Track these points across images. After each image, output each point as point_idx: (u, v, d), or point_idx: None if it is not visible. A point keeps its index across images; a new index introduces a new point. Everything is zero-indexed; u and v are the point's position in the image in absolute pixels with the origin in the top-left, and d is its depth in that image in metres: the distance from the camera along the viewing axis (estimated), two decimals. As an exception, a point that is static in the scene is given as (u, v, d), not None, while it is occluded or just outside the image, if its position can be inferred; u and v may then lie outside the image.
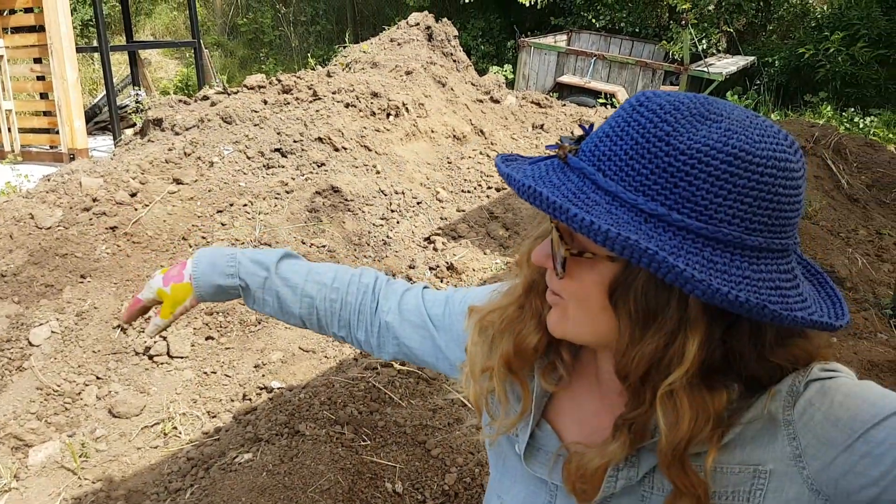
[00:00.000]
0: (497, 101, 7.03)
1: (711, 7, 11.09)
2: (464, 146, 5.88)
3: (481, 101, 6.90)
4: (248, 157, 4.91)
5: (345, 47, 8.00)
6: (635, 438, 0.78)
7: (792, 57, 10.59)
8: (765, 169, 0.68)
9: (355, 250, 4.47)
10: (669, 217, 0.69)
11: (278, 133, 5.08)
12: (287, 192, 4.70)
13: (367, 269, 1.20)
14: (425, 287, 1.17)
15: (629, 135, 0.72)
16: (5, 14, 7.56)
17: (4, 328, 3.48)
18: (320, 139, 5.07)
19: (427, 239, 4.65)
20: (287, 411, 2.96)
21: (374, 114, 5.55)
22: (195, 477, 2.72)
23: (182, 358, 3.55)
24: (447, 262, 4.36)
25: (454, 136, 5.90)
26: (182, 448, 3.02)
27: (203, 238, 4.26)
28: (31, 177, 6.10)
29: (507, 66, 12.31)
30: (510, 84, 10.67)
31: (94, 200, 4.22)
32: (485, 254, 4.56)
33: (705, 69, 9.44)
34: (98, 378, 3.38)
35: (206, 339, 3.68)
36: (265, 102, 5.43)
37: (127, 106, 8.82)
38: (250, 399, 3.31)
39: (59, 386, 3.28)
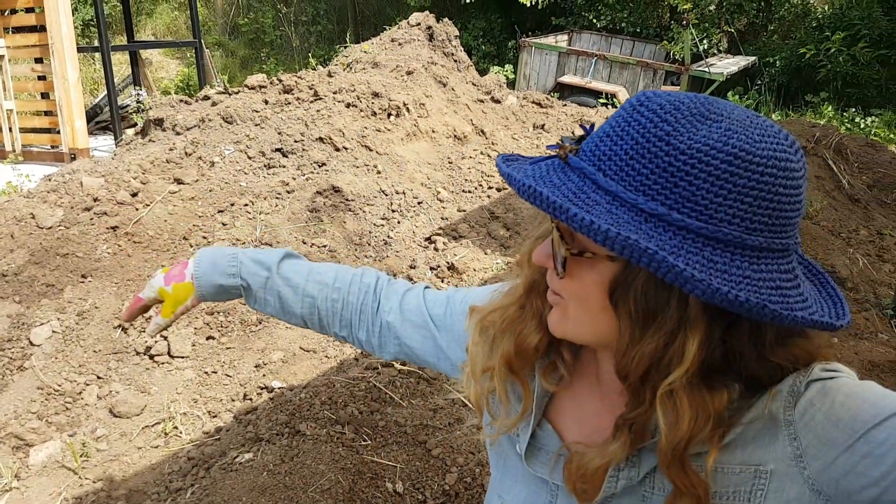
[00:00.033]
0: (498, 101, 7.03)
1: (712, 7, 11.08)
2: (465, 146, 5.88)
3: (482, 101, 6.90)
4: (249, 157, 4.91)
5: (346, 47, 8.00)
6: (636, 438, 0.78)
7: (793, 57, 10.58)
8: (765, 169, 0.68)
9: (356, 250, 4.47)
10: (669, 217, 0.69)
11: (279, 133, 5.08)
12: (288, 192, 4.70)
13: (368, 269, 1.20)
14: (426, 287, 1.17)
15: (629, 135, 0.72)
16: (6, 14, 7.57)
17: (5, 328, 3.49)
18: (321, 139, 5.07)
19: (428, 239, 4.65)
20: (288, 411, 2.96)
21: (374, 114, 5.55)
22: (196, 476, 2.72)
23: (183, 358, 3.55)
24: (448, 262, 4.36)
25: (455, 136, 5.90)
26: (183, 448, 3.02)
27: (204, 238, 4.26)
28: (32, 176, 6.11)
29: (508, 66, 12.31)
30: (511, 84, 10.67)
31: (95, 200, 4.22)
32: (486, 254, 4.56)
33: (706, 69, 9.44)
34: (99, 378, 3.39)
35: (207, 338, 3.68)
36: (266, 102, 5.43)
37: (128, 106, 8.84)
38: (251, 399, 3.31)
39: (59, 385, 3.28)
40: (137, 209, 4.25)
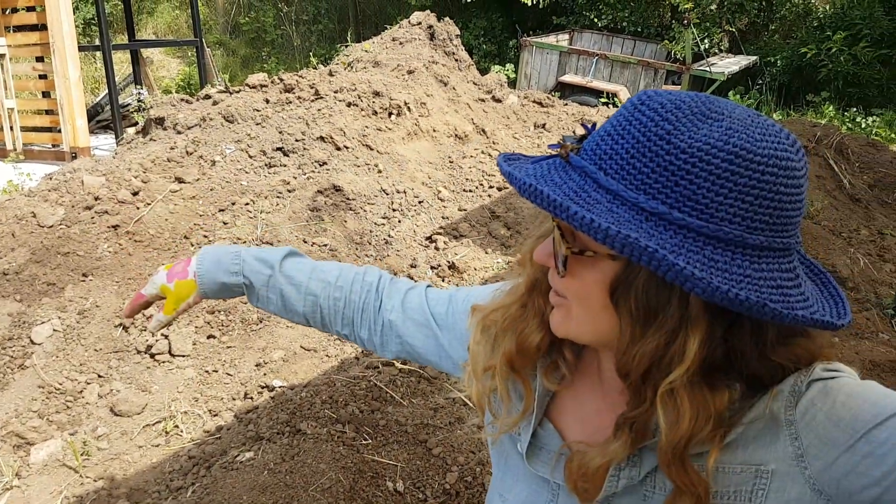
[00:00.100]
0: (499, 101, 7.03)
1: (714, 6, 11.07)
2: (465, 145, 5.88)
3: (483, 100, 6.90)
4: (250, 156, 4.91)
5: (347, 46, 8.01)
6: (636, 437, 0.78)
7: (794, 56, 10.58)
8: (766, 168, 0.68)
9: (357, 249, 4.47)
10: (670, 215, 0.69)
11: (280, 132, 5.09)
12: (289, 191, 4.71)
13: (370, 267, 1.20)
14: (428, 286, 1.17)
15: (630, 133, 0.72)
16: (7, 13, 7.57)
17: (6, 326, 3.49)
18: (322, 138, 5.07)
19: (429, 238, 4.65)
20: (288, 410, 2.96)
21: (375, 113, 5.55)
22: (197, 475, 2.72)
23: (184, 356, 3.56)
24: (449, 262, 4.36)
25: (456, 135, 5.90)
26: (183, 446, 3.03)
27: (205, 237, 4.26)
28: (33, 175, 6.11)
29: (509, 66, 12.31)
30: (512, 83, 10.67)
31: (96, 199, 4.22)
32: (486, 253, 4.56)
33: (707, 69, 9.43)
34: (100, 376, 3.39)
35: (208, 337, 3.69)
36: (267, 101, 5.43)
37: (129, 104, 8.84)
38: (252, 398, 3.31)
39: (60, 384, 3.29)
40: (138, 208, 4.26)
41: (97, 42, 9.50)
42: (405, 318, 1.12)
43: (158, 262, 4.01)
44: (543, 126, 6.89)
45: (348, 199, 4.69)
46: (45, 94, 7.82)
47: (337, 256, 4.36)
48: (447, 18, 7.63)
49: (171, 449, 3.04)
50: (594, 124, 0.80)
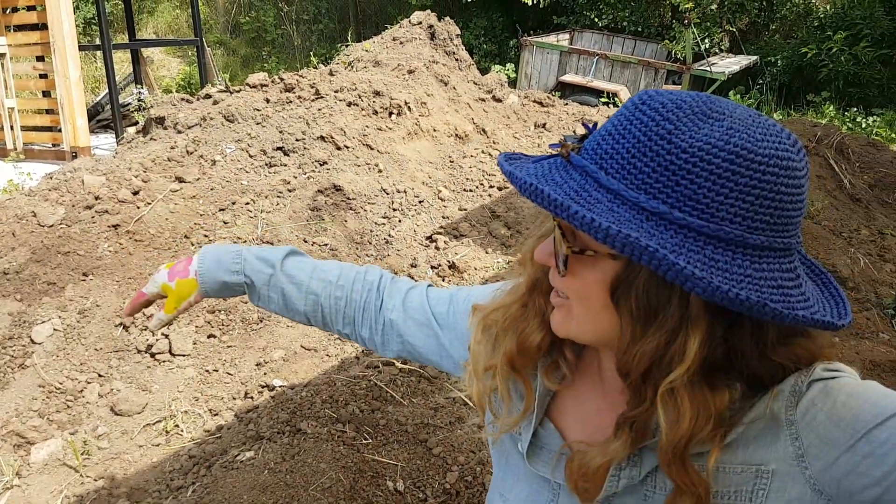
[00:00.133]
0: (499, 100, 7.02)
1: (714, 6, 11.07)
2: (466, 145, 5.88)
3: (483, 99, 6.90)
4: (251, 156, 4.91)
5: (347, 46, 8.01)
6: (637, 437, 0.78)
7: (794, 56, 10.57)
8: (767, 167, 0.68)
9: (357, 249, 4.47)
10: (671, 215, 0.69)
11: (280, 131, 5.09)
12: (289, 191, 4.71)
13: (372, 266, 1.20)
14: (430, 285, 1.17)
15: (631, 133, 0.72)
16: (8, 12, 7.57)
17: (7, 326, 3.49)
18: (322, 138, 5.07)
19: (429, 238, 4.65)
20: (289, 409, 2.96)
21: (376, 112, 5.55)
22: (197, 475, 2.72)
23: (184, 356, 3.56)
24: (449, 261, 4.36)
25: (456, 134, 5.90)
26: (184, 446, 3.03)
27: (205, 236, 4.26)
28: (34, 175, 6.12)
29: (510, 65, 12.31)
30: (512, 83, 10.67)
31: (97, 198, 4.22)
32: (487, 253, 4.56)
33: (708, 68, 9.43)
34: (100, 376, 3.39)
35: (208, 337, 3.69)
36: (267, 101, 5.43)
37: (129, 104, 8.84)
38: (252, 397, 3.31)
39: (61, 383, 3.29)
40: (139, 207, 4.26)
41: (97, 41, 9.50)
42: (406, 318, 1.12)
43: (159, 261, 4.01)
44: (544, 126, 6.89)
45: (349, 198, 4.69)
46: (46, 94, 7.82)
47: (337, 256, 4.36)
48: (448, 18, 7.63)
49: (171, 448, 3.04)
50: (595, 124, 0.80)
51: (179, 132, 5.24)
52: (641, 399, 0.76)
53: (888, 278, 4.79)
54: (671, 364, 0.72)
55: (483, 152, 5.82)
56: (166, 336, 3.59)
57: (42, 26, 7.19)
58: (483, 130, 6.16)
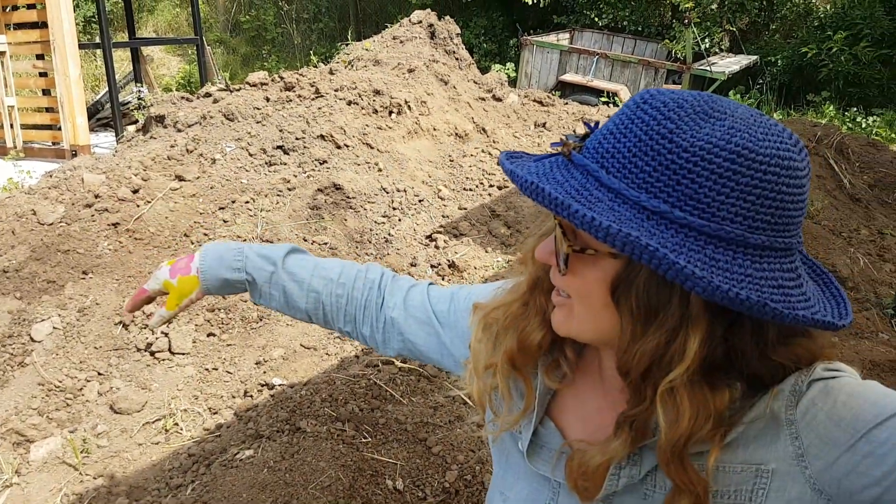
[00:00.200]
0: (499, 100, 7.02)
1: (714, 6, 11.07)
2: (466, 144, 5.88)
3: (483, 99, 6.90)
4: (251, 155, 4.91)
5: (347, 45, 7.99)
6: (637, 436, 0.78)
7: (795, 56, 10.58)
8: (768, 167, 0.68)
9: (357, 248, 4.47)
10: (672, 214, 0.69)
11: (280, 130, 5.08)
12: (289, 190, 4.71)
13: (373, 264, 1.20)
14: (430, 284, 1.17)
15: (632, 132, 0.72)
16: (8, 10, 7.57)
17: (6, 324, 3.49)
18: (322, 136, 5.07)
19: (429, 237, 4.65)
20: (288, 408, 2.96)
21: (376, 111, 5.55)
22: (196, 473, 2.73)
23: (183, 354, 3.56)
24: (449, 260, 4.36)
25: (456, 134, 5.90)
26: (183, 444, 3.03)
27: (205, 235, 4.26)
28: (34, 173, 6.11)
29: (510, 65, 12.30)
30: (512, 82, 10.67)
31: (97, 197, 4.22)
32: (486, 252, 4.56)
33: (708, 68, 9.43)
34: (99, 374, 3.39)
35: (208, 335, 3.69)
36: (267, 100, 5.43)
37: (129, 102, 8.84)
38: (251, 396, 3.31)
39: (60, 382, 3.29)
40: (138, 206, 4.26)
41: (97, 40, 9.48)
42: (407, 316, 1.12)
43: (158, 259, 4.01)
44: (544, 125, 6.88)
45: (348, 197, 4.69)
46: (46, 92, 7.81)
47: (337, 255, 4.36)
48: (448, 17, 7.62)
49: (170, 447, 3.04)
50: (597, 123, 0.80)
51: (179, 131, 5.23)
52: (641, 398, 0.76)
53: (888, 278, 4.79)
54: (671, 363, 0.72)
55: (483, 151, 5.82)
56: (166, 334, 3.59)
57: (42, 24, 7.18)
58: (483, 129, 6.16)
